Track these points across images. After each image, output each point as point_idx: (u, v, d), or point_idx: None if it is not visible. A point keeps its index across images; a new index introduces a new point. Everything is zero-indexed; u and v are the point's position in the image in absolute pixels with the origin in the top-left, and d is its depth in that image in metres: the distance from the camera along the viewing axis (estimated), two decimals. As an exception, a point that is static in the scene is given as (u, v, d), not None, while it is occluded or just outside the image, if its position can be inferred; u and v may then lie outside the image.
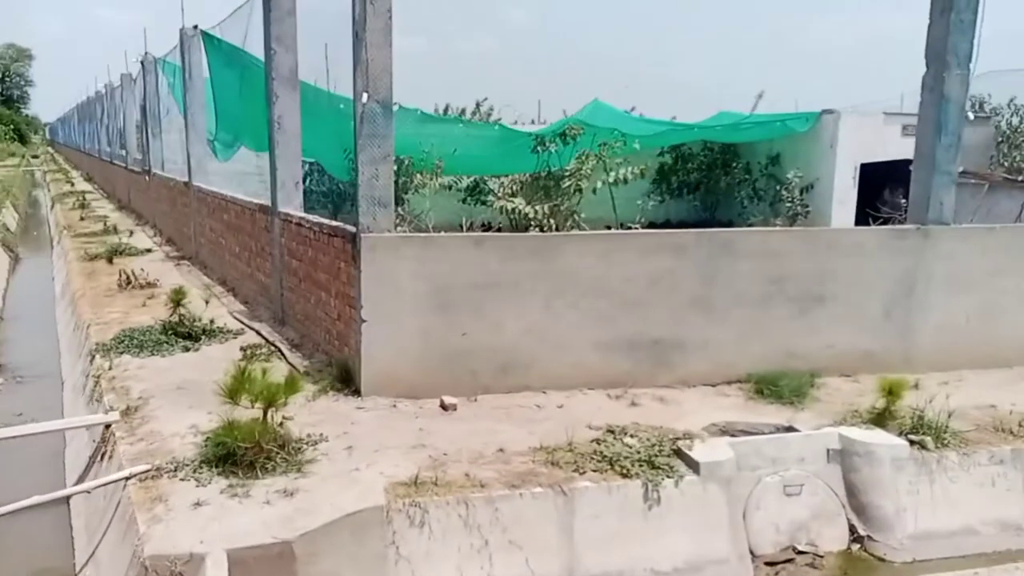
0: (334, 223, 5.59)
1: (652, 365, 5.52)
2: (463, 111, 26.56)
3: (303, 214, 6.39)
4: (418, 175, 11.94)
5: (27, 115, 79.75)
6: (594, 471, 4.19)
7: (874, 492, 4.41)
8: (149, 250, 12.13)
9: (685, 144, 15.71)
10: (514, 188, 13.98)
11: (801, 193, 14.29)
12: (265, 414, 4.14)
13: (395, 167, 12.06)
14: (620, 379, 5.47)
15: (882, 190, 13.14)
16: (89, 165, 32.28)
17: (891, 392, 4.72)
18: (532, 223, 10.27)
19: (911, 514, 4.39)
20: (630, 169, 12.58)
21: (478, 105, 27.04)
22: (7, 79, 75.63)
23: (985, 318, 5.99)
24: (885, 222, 12.38)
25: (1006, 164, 13.84)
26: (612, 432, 4.69)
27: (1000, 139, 14.09)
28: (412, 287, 5.00)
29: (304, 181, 13.82)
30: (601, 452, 4.34)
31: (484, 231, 13.90)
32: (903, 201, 13.43)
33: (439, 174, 12.68)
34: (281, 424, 4.23)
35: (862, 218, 12.40)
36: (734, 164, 14.86)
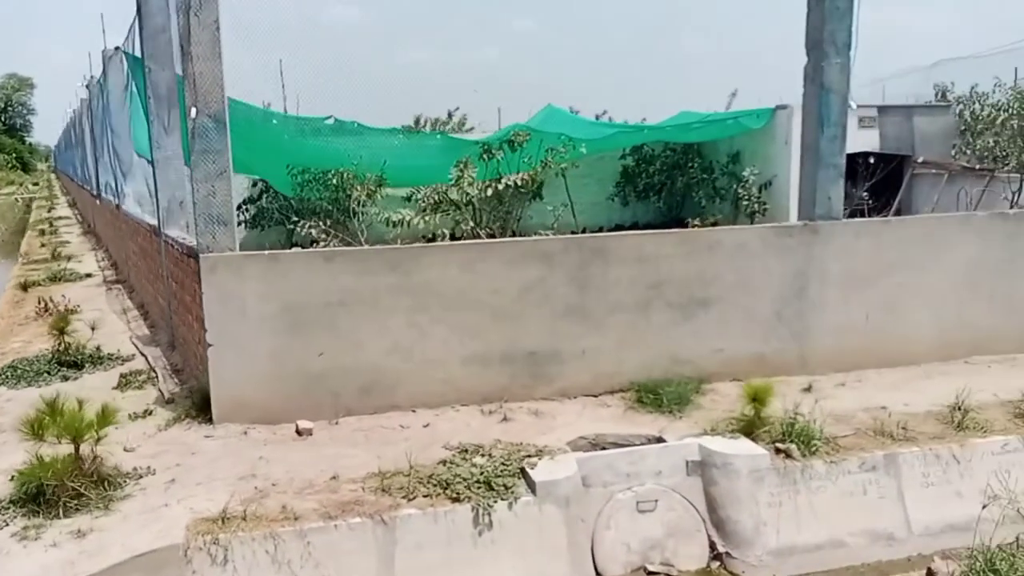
0: (189, 243, 5.39)
1: (529, 378, 5.29)
2: (436, 122, 26.46)
3: (178, 235, 6.21)
4: (357, 187, 11.75)
5: (31, 143, 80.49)
6: (425, 496, 3.96)
7: (732, 506, 4.16)
8: (89, 275, 11.98)
9: (646, 146, 15.50)
10: (469, 198, 13.85)
11: (760, 190, 14.05)
12: (76, 449, 3.94)
13: (335, 180, 11.94)
14: (495, 394, 5.24)
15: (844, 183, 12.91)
16: (74, 191, 32.40)
17: (756, 399, 4.47)
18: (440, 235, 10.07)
19: (772, 528, 4.13)
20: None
21: (450, 115, 26.94)
22: (9, 108, 76.22)
23: (886, 314, 5.73)
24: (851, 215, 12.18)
25: (968, 153, 13.53)
26: (465, 452, 4.46)
27: (963, 127, 13.79)
28: (260, 308, 4.80)
29: (260, 199, 13.74)
30: (438, 476, 4.11)
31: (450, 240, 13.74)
32: (864, 195, 13.27)
33: (381, 186, 12.51)
34: (95, 459, 4.01)
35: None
36: (692, 164, 14.61)
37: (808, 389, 5.43)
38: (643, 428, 4.87)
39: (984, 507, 3.73)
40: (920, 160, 14.06)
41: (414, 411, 5.15)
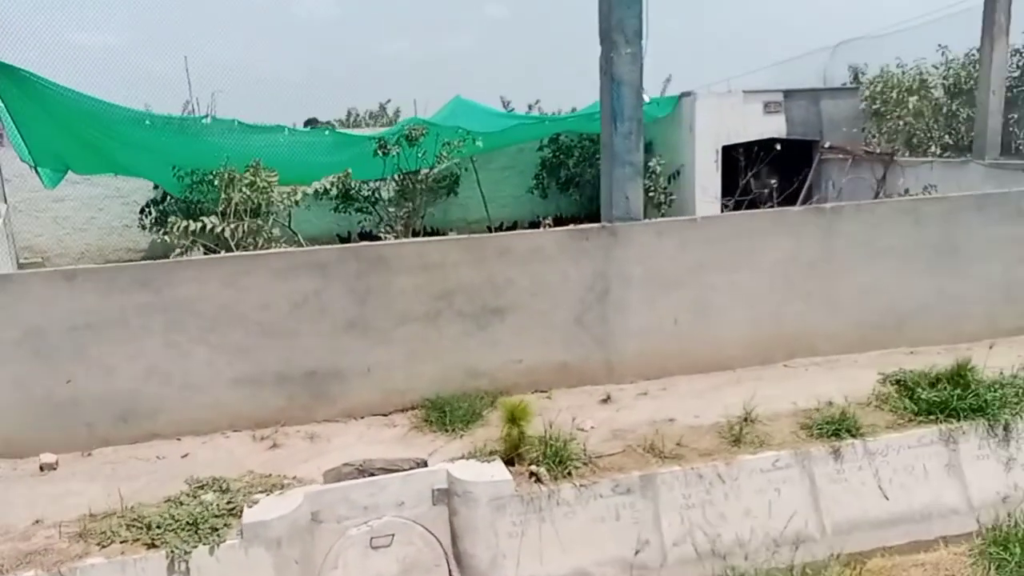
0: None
1: (309, 399, 4.98)
2: (369, 115, 25.81)
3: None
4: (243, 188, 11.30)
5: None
6: (122, 542, 3.65)
7: (470, 538, 3.90)
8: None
9: (563, 136, 15.21)
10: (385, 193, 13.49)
11: (669, 181, 13.84)
12: None
13: (213, 180, 11.46)
14: (272, 417, 4.94)
15: (750, 171, 12.73)
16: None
17: (514, 418, 4.20)
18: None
19: (511, 560, 3.87)
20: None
21: (382, 107, 26.40)
22: None
23: (697, 317, 5.49)
24: (752, 205, 11.98)
25: (875, 136, 13.41)
26: (202, 486, 4.15)
27: (871, 110, 13.64)
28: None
29: (163, 201, 13.19)
30: (149, 517, 3.79)
31: (364, 239, 13.38)
32: (772, 182, 13.06)
33: (269, 185, 12.10)
34: None
35: (736, 204, 11.94)
36: (585, 154, 14.32)
37: (607, 400, 5.19)
38: (418, 450, 4.59)
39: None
40: (827, 145, 13.93)
41: (179, 439, 4.83)
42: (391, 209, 13.28)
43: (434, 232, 14.10)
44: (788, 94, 13.89)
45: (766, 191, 12.18)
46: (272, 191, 11.90)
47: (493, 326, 5.18)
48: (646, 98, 5.10)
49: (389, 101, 24.39)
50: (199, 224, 10.21)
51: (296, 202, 11.21)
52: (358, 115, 23.99)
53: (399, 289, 4.99)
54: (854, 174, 13.25)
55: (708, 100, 13.50)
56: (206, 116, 11.40)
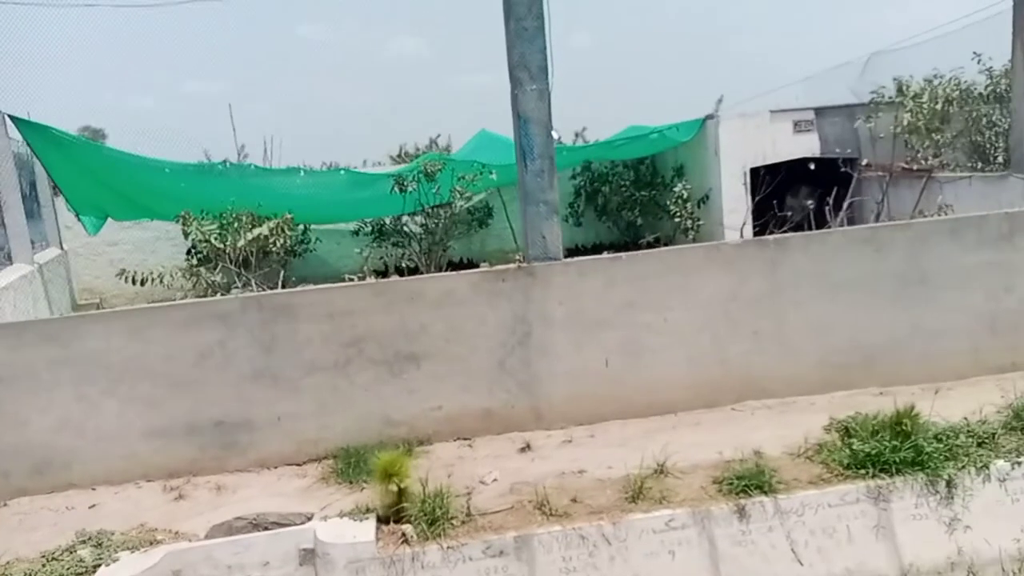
0: None
1: (220, 449, 4.95)
2: (417, 149, 26.37)
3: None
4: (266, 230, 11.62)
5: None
6: (-21, 601, 3.68)
7: (326, 603, 3.72)
8: None
9: (594, 164, 15.05)
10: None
11: (698, 204, 13.39)
12: None
13: (235, 224, 11.82)
14: (185, 468, 4.92)
15: (785, 193, 12.16)
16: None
17: (387, 474, 4.00)
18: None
19: (368, 628, 3.67)
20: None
21: (432, 142, 26.93)
22: None
23: (630, 359, 5.16)
24: (782, 226, 11.40)
25: (917, 151, 12.57)
26: (86, 541, 4.15)
27: (904, 127, 12.82)
28: (-92, 389, 4.62)
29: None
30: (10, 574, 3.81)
31: (401, 274, 13.59)
32: (808, 202, 12.46)
33: (289, 227, 12.44)
34: None
35: (763, 227, 11.43)
36: (647, 181, 14.10)
37: (526, 448, 4.92)
38: (317, 503, 4.47)
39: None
40: (864, 163, 13.14)
41: (94, 489, 4.88)
42: (422, 243, 13.44)
43: (468, 264, 14.11)
44: (820, 111, 13.24)
45: (795, 212, 11.57)
46: (283, 232, 12.23)
47: (408, 373, 5.02)
48: (555, 136, 4.87)
49: (439, 135, 24.81)
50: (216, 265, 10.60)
51: (290, 246, 11.49)
52: (406, 151, 24.49)
53: (306, 337, 4.91)
54: (893, 192, 12.43)
55: (732, 122, 13.01)
56: (224, 162, 11.81)
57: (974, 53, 11.30)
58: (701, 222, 13.21)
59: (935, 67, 12.19)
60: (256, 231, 11.50)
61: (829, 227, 10.70)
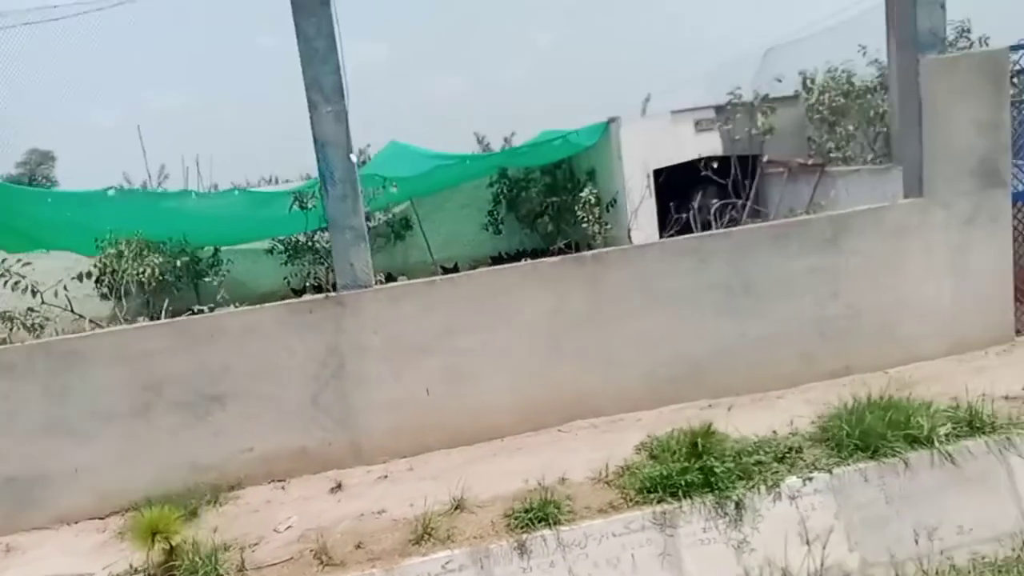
0: None
1: (12, 507, 4.68)
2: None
3: None
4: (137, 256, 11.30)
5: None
6: None
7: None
8: None
9: (511, 171, 14.94)
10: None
11: (607, 209, 13.33)
12: None
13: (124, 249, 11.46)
14: (-23, 528, 4.65)
15: (691, 193, 12.14)
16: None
17: (152, 533, 3.79)
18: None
19: None
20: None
21: (361, 152, 26.52)
22: (33, 183, 78.47)
23: (453, 385, 5.00)
24: (684, 228, 11.36)
25: (815, 146, 12.68)
26: None
27: (812, 118, 12.91)
28: None
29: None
30: None
31: (319, 291, 13.31)
32: (714, 202, 12.45)
33: (183, 251, 12.16)
34: None
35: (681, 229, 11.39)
36: (537, 188, 14.02)
37: (338, 487, 4.73)
38: (108, 560, 4.23)
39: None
40: (766, 159, 13.19)
41: None
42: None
43: (387, 278, 13.89)
44: (720, 109, 13.25)
45: (702, 212, 11.56)
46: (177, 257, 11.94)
47: (214, 415, 4.80)
48: (353, 158, 4.70)
49: (369, 146, 24.51)
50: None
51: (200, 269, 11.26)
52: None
53: (100, 383, 4.67)
54: (792, 187, 12.51)
55: (633, 125, 12.99)
56: (109, 188, 11.45)
57: (859, 46, 11.40)
58: (609, 227, 13.14)
59: (828, 60, 12.29)
60: (150, 259, 11.21)
61: (736, 224, 10.71)
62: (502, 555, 3.76)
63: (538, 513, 3.87)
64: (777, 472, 4.04)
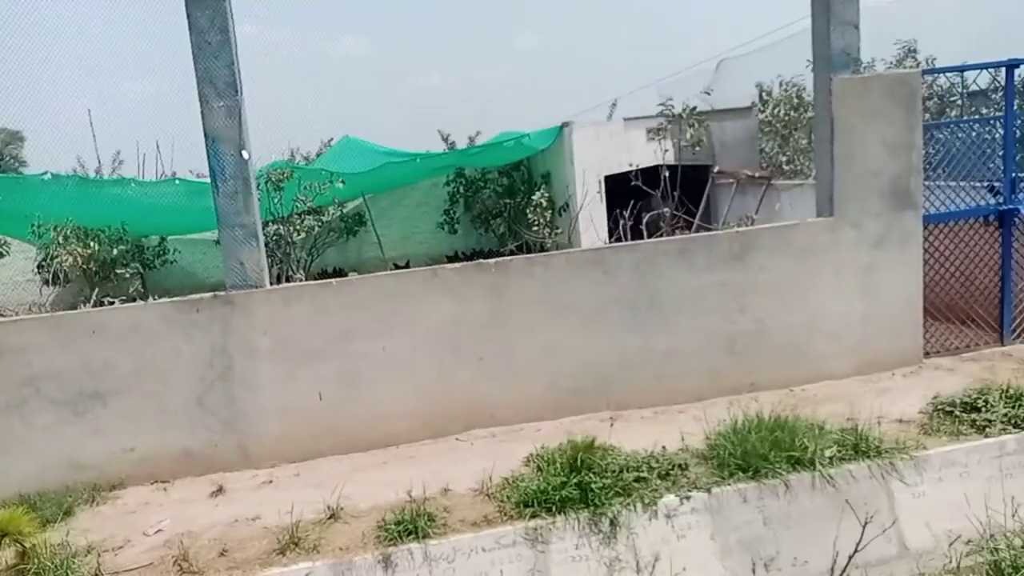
0: None
1: None
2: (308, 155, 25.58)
3: None
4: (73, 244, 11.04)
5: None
6: None
7: None
8: None
9: (467, 170, 14.83)
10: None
11: (559, 213, 13.28)
12: None
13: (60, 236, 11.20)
14: None
15: (641, 200, 12.12)
16: None
17: (3, 534, 3.63)
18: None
19: None
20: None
21: (325, 144, 26.17)
22: (1, 163, 76.57)
23: (347, 390, 4.89)
24: (635, 234, 11.33)
25: (767, 157, 12.74)
26: None
27: (763, 130, 12.98)
28: None
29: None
30: None
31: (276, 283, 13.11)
32: (665, 210, 12.41)
33: (121, 239, 11.91)
34: None
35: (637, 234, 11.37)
36: (494, 188, 13.92)
37: (219, 491, 4.59)
38: (-34, 562, 4.05)
39: None
40: (716, 170, 13.24)
41: None
42: (291, 253, 12.99)
43: (338, 273, 13.69)
44: (673, 119, 13.25)
45: (653, 219, 11.55)
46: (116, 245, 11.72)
47: (94, 413, 4.64)
48: (245, 155, 4.56)
49: (332, 140, 24.23)
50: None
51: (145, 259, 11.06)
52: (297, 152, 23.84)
53: (-27, 377, 4.49)
54: (740, 198, 12.57)
55: (585, 130, 12.94)
56: (45, 173, 11.17)
57: (808, 60, 11.44)
58: (559, 231, 13.09)
59: (779, 73, 12.36)
60: (92, 247, 10.97)
61: (684, 232, 10.71)
62: (366, 568, 3.65)
63: (408, 526, 3.77)
64: (656, 490, 3.98)
